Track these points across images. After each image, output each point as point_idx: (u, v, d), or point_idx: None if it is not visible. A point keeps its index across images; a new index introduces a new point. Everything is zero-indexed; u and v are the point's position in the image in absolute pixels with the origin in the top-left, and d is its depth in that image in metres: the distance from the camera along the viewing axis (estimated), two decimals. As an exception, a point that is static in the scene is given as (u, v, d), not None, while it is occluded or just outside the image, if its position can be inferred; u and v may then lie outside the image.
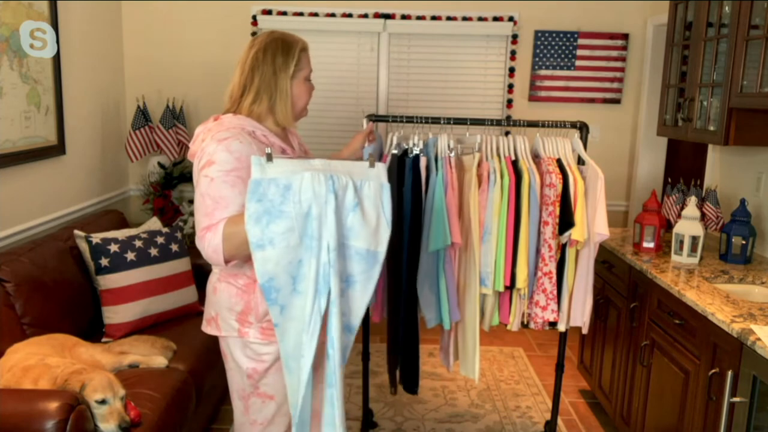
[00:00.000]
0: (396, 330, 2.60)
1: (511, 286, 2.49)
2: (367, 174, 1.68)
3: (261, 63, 1.83)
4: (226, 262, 1.68)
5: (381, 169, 1.71)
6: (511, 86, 4.32)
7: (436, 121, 2.61)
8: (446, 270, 2.46)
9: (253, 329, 1.80)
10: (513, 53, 4.28)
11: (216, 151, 1.70)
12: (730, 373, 2.00)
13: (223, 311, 1.83)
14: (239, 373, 1.85)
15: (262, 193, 1.58)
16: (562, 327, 2.60)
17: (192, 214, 4.05)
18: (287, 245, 1.60)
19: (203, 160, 1.72)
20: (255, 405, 1.86)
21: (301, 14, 4.20)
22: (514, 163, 2.49)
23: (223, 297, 1.83)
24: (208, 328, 1.90)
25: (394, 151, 2.53)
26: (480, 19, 4.23)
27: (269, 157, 1.60)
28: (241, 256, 1.71)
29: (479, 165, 2.45)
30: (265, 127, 1.85)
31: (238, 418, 1.93)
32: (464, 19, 4.23)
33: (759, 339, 1.89)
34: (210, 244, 1.65)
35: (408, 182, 2.44)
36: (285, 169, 1.61)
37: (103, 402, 1.98)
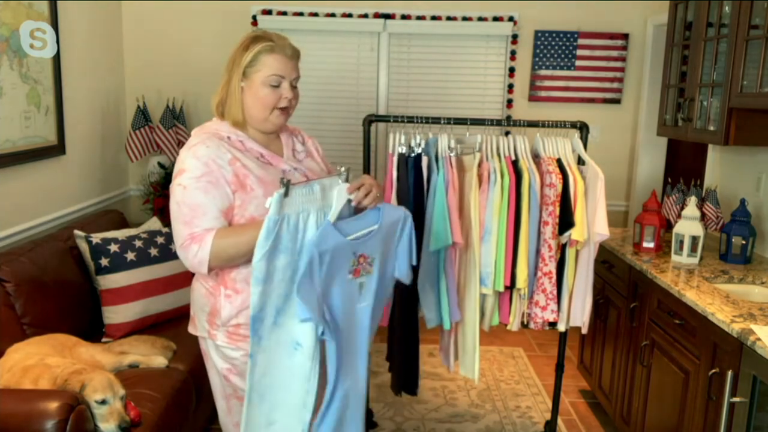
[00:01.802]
0: (396, 330, 2.60)
1: (511, 286, 2.49)
2: (342, 192, 1.71)
3: (228, 62, 1.81)
4: (209, 271, 1.69)
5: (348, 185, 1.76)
6: (511, 86, 4.32)
7: (436, 121, 2.61)
8: (447, 270, 2.46)
9: (220, 332, 1.79)
10: (513, 53, 4.27)
11: (185, 158, 1.71)
12: (730, 373, 2.00)
13: (197, 311, 1.84)
14: (217, 374, 1.86)
15: (276, 232, 1.59)
16: (562, 327, 2.60)
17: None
18: (282, 278, 1.63)
19: (177, 169, 1.73)
20: (236, 407, 1.86)
21: (301, 14, 4.20)
22: (514, 163, 2.49)
23: (196, 296, 1.85)
24: (190, 327, 1.91)
25: (401, 150, 2.54)
26: (480, 19, 4.23)
27: (287, 192, 1.58)
28: (224, 267, 1.73)
29: (479, 165, 2.45)
30: (243, 132, 1.80)
31: (222, 418, 1.93)
32: (464, 19, 4.23)
33: (759, 339, 1.89)
34: (196, 255, 1.65)
35: (410, 181, 2.44)
36: (296, 201, 1.62)
37: (103, 402, 1.98)
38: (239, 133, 1.79)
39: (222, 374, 1.83)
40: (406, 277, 1.87)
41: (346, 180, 1.73)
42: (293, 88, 1.80)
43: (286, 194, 1.58)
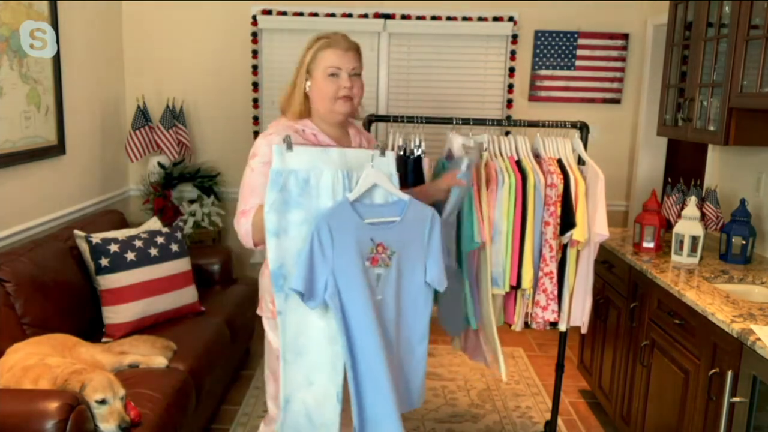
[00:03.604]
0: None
1: (516, 287, 2.49)
2: (378, 164, 1.75)
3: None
4: (255, 245, 1.82)
5: (390, 158, 1.80)
6: (511, 86, 4.32)
7: (436, 121, 2.61)
8: (470, 270, 2.43)
9: None
10: (513, 53, 4.27)
11: (260, 144, 1.86)
12: (730, 373, 2.00)
13: (265, 294, 1.96)
14: (272, 352, 1.95)
15: (282, 184, 1.67)
16: (562, 327, 2.60)
17: (192, 214, 4.06)
18: (298, 234, 1.69)
19: (251, 152, 1.88)
20: None
21: (301, 14, 4.20)
22: (518, 163, 2.49)
23: (266, 282, 1.95)
24: (258, 310, 2.04)
25: (399, 152, 2.54)
26: (480, 19, 4.23)
27: (289, 146, 1.68)
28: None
29: (485, 165, 2.45)
30: (316, 126, 1.92)
31: (269, 403, 2.04)
32: (464, 19, 4.23)
33: (759, 339, 1.89)
34: (243, 227, 1.82)
35: (409, 183, 2.44)
36: (304, 159, 1.69)
37: (103, 402, 1.98)
38: (313, 127, 1.92)
39: (276, 354, 1.91)
40: (437, 283, 1.85)
41: (382, 154, 1.76)
42: (355, 77, 1.93)
43: (288, 147, 1.67)
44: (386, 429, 1.79)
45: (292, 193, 1.67)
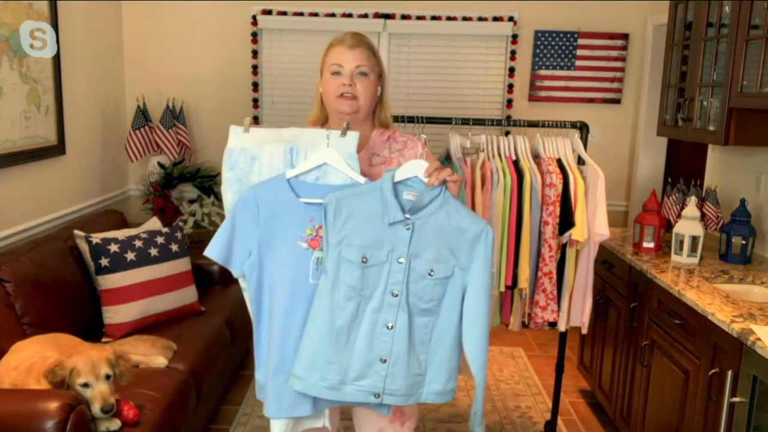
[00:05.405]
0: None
1: (512, 286, 2.49)
2: (336, 144, 1.68)
3: None
4: None
5: (351, 138, 1.69)
6: (511, 86, 4.32)
7: (436, 121, 2.61)
8: None
9: None
10: (513, 53, 4.28)
11: None
12: (730, 373, 2.00)
13: None
14: None
15: (234, 162, 1.70)
16: (562, 327, 2.60)
17: (192, 214, 4.06)
18: None
19: None
20: None
21: (301, 14, 4.20)
22: (515, 163, 2.49)
23: None
24: None
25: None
26: (480, 19, 4.23)
27: (247, 127, 1.69)
28: None
29: (482, 165, 2.45)
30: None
31: None
32: (464, 19, 4.23)
33: (759, 339, 1.89)
34: None
35: None
36: (257, 138, 1.70)
37: (85, 386, 1.96)
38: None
39: None
40: None
41: (343, 134, 1.66)
42: (360, 76, 1.80)
43: (245, 129, 1.68)
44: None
45: (243, 171, 1.70)
